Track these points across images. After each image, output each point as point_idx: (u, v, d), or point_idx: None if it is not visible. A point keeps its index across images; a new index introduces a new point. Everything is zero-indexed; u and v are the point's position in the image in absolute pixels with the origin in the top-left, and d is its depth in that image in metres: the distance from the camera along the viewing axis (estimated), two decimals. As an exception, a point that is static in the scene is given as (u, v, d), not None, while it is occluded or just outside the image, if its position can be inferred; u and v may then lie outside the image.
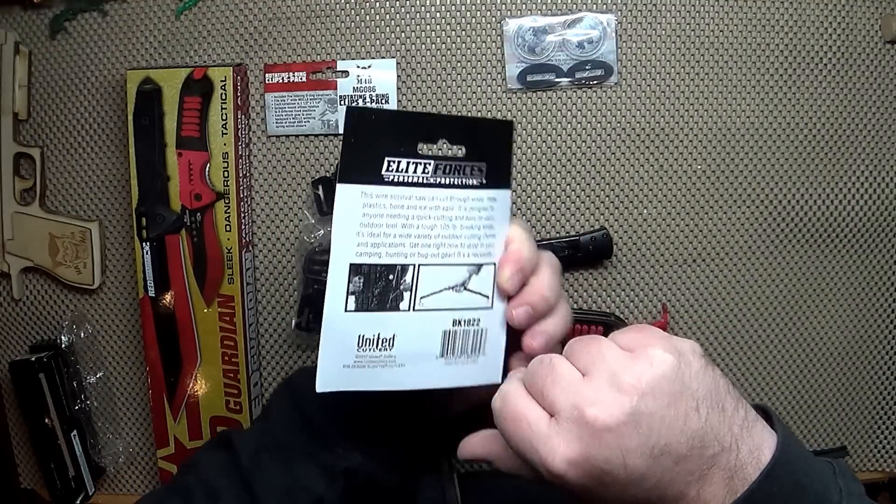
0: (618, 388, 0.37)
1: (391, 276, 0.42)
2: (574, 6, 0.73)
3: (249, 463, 0.49)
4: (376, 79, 0.74)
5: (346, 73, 0.74)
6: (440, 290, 0.43)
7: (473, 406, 0.48)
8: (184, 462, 0.51)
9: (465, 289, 0.44)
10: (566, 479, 0.37)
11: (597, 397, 0.37)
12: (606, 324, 0.73)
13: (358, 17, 0.74)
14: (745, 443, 0.37)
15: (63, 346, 0.76)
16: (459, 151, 0.43)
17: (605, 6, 0.73)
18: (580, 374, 0.39)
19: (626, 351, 0.39)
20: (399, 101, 0.74)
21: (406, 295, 0.42)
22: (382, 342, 0.42)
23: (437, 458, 0.67)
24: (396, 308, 0.42)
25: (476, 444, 0.45)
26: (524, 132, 0.75)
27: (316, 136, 0.75)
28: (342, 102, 0.74)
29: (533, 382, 0.40)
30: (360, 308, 0.41)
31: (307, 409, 0.51)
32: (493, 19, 0.74)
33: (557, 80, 0.73)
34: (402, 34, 0.74)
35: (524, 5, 0.73)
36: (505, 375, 0.44)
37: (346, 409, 0.50)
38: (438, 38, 0.74)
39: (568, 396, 0.38)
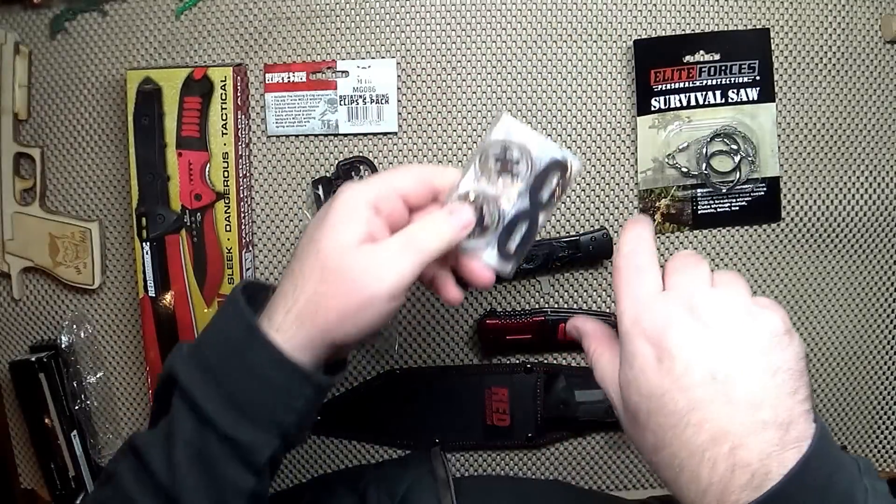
0: (732, 307, 0.41)
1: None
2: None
3: (167, 475, 0.43)
4: (376, 79, 0.74)
5: (346, 73, 0.74)
6: None
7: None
8: (100, 477, 0.48)
9: None
10: (637, 336, 0.41)
11: (710, 301, 0.41)
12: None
13: (358, 17, 0.74)
14: (796, 429, 0.37)
15: (63, 346, 0.76)
16: None
17: None
18: (711, 284, 0.42)
19: (755, 301, 0.42)
20: (399, 101, 0.74)
21: None
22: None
23: (433, 464, 0.67)
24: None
25: (582, 324, 0.50)
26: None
27: (316, 136, 0.75)
28: (342, 102, 0.74)
29: (674, 261, 0.44)
30: None
31: (205, 408, 0.44)
32: (493, 19, 0.74)
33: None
34: (402, 34, 0.74)
35: (524, 5, 0.74)
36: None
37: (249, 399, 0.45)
38: (438, 38, 0.74)
39: (690, 285, 0.42)
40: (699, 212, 0.75)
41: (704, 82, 0.73)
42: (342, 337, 0.44)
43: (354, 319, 0.43)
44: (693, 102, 0.74)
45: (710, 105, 0.74)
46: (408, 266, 0.44)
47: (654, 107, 0.74)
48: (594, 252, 0.74)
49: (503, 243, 0.49)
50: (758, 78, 0.74)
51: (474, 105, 0.75)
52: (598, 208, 0.76)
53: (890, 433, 0.79)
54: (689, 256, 0.44)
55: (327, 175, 0.75)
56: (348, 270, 0.43)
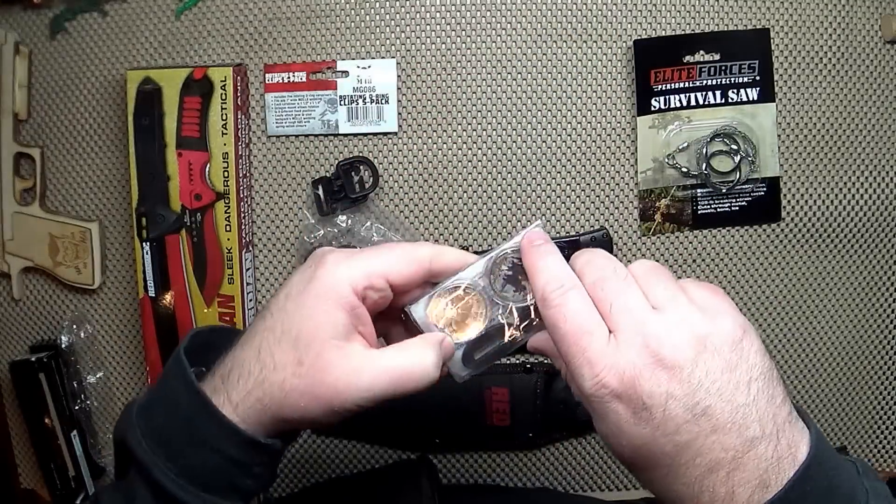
0: (687, 334, 0.38)
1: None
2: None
3: None
4: (376, 79, 0.74)
5: (346, 73, 0.74)
6: None
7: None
8: None
9: None
10: (604, 397, 0.38)
11: (665, 335, 0.38)
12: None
13: (358, 17, 0.74)
14: (785, 436, 0.37)
15: (63, 346, 0.76)
16: None
17: None
18: (650, 305, 0.39)
19: (700, 306, 0.39)
20: (399, 101, 0.74)
21: None
22: None
23: (418, 478, 0.66)
24: None
25: (542, 341, 0.45)
26: (524, 131, 0.75)
27: (316, 136, 0.75)
28: (342, 102, 0.74)
29: (603, 291, 0.40)
30: None
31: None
32: (493, 19, 0.74)
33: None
34: (402, 34, 0.74)
35: (524, 5, 0.74)
36: None
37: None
38: (438, 38, 0.74)
39: (637, 324, 0.38)
40: (699, 212, 0.75)
41: (704, 82, 0.73)
42: (302, 426, 0.43)
43: (319, 417, 0.41)
44: (693, 102, 0.74)
45: (710, 105, 0.74)
46: (383, 388, 0.41)
47: (654, 107, 0.74)
48: (594, 252, 0.74)
49: (473, 348, 0.45)
50: (758, 78, 0.74)
51: (474, 105, 0.75)
52: (598, 208, 0.76)
53: (890, 433, 0.79)
54: (612, 278, 0.40)
55: (327, 175, 0.75)
56: (324, 371, 0.41)
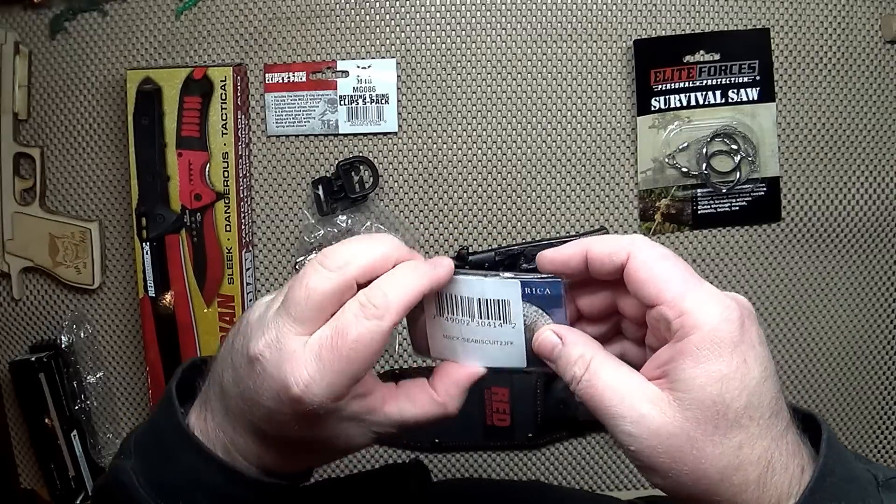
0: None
1: None
2: None
3: None
4: (376, 79, 0.74)
5: (346, 73, 0.74)
6: None
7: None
8: None
9: None
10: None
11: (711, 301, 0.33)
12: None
13: (358, 17, 0.74)
14: (787, 462, 0.34)
15: (63, 346, 0.76)
16: None
17: (605, 6, 0.73)
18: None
19: None
20: (399, 101, 0.74)
21: None
22: None
23: (406, 478, 0.65)
24: None
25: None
26: (524, 131, 0.75)
27: (316, 136, 0.75)
28: (342, 102, 0.74)
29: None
30: None
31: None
32: (493, 19, 0.74)
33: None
34: (402, 34, 0.74)
35: (524, 5, 0.74)
36: None
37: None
38: (438, 38, 0.74)
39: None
40: (699, 212, 0.75)
41: (704, 82, 0.73)
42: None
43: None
44: (693, 102, 0.74)
45: (710, 105, 0.74)
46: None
47: (654, 107, 0.74)
48: (594, 252, 0.74)
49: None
50: (758, 78, 0.74)
51: (474, 105, 0.75)
52: (598, 208, 0.76)
53: (890, 433, 0.79)
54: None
55: (327, 175, 0.75)
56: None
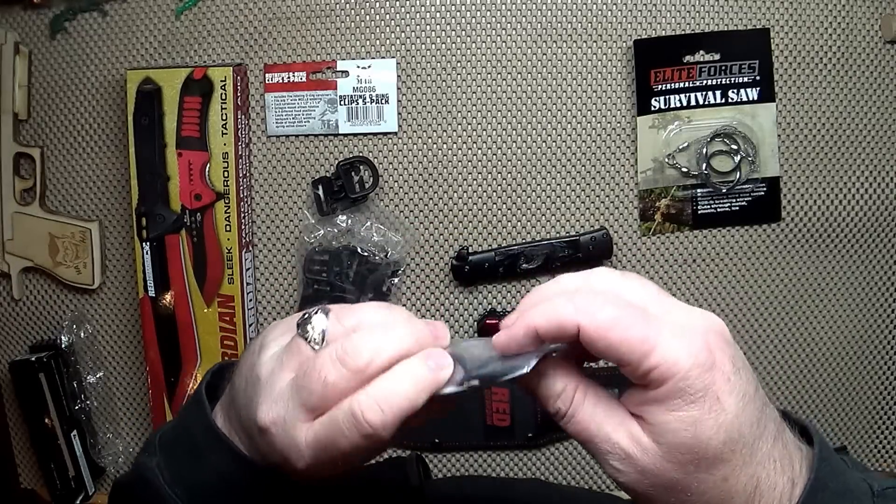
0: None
1: None
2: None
3: None
4: (376, 79, 0.74)
5: (346, 73, 0.74)
6: None
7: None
8: None
9: None
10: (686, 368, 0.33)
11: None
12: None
13: (358, 17, 0.74)
14: (784, 471, 0.34)
15: (63, 346, 0.76)
16: None
17: (605, 6, 0.73)
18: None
19: None
20: (399, 101, 0.74)
21: None
22: None
23: (406, 470, 0.65)
24: None
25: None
26: (524, 131, 0.75)
27: (316, 136, 0.75)
28: (342, 102, 0.74)
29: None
30: None
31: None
32: (493, 19, 0.74)
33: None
34: (402, 34, 0.74)
35: (524, 5, 0.74)
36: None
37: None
38: (438, 38, 0.74)
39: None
40: (699, 212, 0.75)
41: (704, 82, 0.73)
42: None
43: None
44: (693, 102, 0.74)
45: (710, 105, 0.74)
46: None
47: (654, 107, 0.74)
48: (594, 252, 0.74)
49: None
50: (758, 78, 0.74)
51: (474, 105, 0.75)
52: (598, 208, 0.76)
53: (890, 433, 0.79)
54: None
55: (327, 175, 0.75)
56: None
